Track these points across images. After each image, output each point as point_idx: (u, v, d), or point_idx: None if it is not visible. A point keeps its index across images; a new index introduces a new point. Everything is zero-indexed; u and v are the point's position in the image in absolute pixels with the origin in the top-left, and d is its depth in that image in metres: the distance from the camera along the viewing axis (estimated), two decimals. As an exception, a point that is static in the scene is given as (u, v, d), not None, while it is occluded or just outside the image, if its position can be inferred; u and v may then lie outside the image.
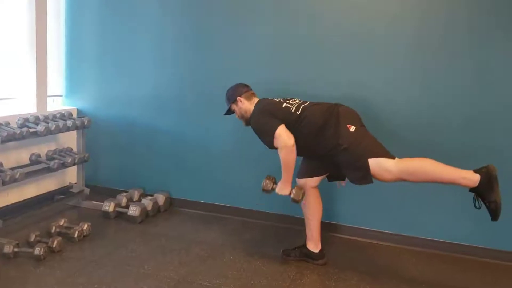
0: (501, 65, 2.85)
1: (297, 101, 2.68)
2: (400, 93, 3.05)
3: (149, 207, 3.40)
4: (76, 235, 2.88)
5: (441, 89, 2.96)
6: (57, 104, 3.89)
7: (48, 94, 3.59)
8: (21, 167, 3.12)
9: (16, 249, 2.62)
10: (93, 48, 3.80)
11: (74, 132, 3.61)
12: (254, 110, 2.69)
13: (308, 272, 2.67)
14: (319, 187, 2.73)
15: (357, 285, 2.54)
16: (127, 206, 3.36)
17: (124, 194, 3.52)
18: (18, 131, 2.97)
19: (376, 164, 2.37)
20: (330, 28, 3.15)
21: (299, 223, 2.94)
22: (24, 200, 3.32)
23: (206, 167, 3.57)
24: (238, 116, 2.82)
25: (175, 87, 3.59)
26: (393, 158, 2.39)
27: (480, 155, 2.88)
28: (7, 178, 2.82)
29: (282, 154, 2.52)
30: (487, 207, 2.28)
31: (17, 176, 2.89)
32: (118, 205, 3.38)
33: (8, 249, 2.59)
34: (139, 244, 2.95)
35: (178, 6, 3.51)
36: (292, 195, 2.57)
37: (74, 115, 3.72)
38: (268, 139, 2.56)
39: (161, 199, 3.54)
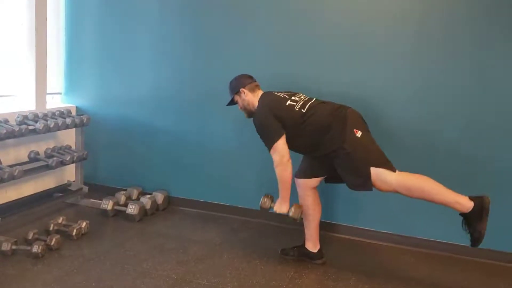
0: (501, 65, 2.85)
1: (302, 97, 2.64)
2: (400, 93, 3.05)
3: (148, 206, 3.39)
4: (74, 233, 2.88)
5: (441, 89, 2.96)
6: (56, 101, 3.88)
7: (47, 91, 3.58)
8: (19, 164, 3.10)
9: (14, 247, 2.61)
10: (92, 46, 3.79)
11: (73, 130, 3.60)
12: (258, 106, 2.65)
13: (307, 272, 2.67)
14: (318, 187, 2.73)
15: (355, 285, 2.54)
16: (125, 205, 3.35)
17: (123, 192, 3.52)
18: (17, 129, 2.96)
19: (376, 174, 2.38)
20: (330, 28, 3.15)
21: (298, 223, 2.93)
22: (23, 197, 3.31)
23: (205, 166, 3.57)
24: (241, 108, 2.77)
25: (174, 86, 3.58)
26: (394, 170, 2.39)
27: (480, 155, 2.88)
28: (6, 176, 2.81)
29: (277, 171, 2.56)
30: (470, 235, 2.34)
31: (15, 174, 2.89)
32: (116, 203, 3.38)
33: (6, 246, 2.59)
34: (138, 242, 2.94)
35: (178, 5, 3.51)
36: (290, 213, 2.59)
37: (73, 113, 3.71)
38: (267, 144, 2.58)
39: (159, 197, 3.53)
